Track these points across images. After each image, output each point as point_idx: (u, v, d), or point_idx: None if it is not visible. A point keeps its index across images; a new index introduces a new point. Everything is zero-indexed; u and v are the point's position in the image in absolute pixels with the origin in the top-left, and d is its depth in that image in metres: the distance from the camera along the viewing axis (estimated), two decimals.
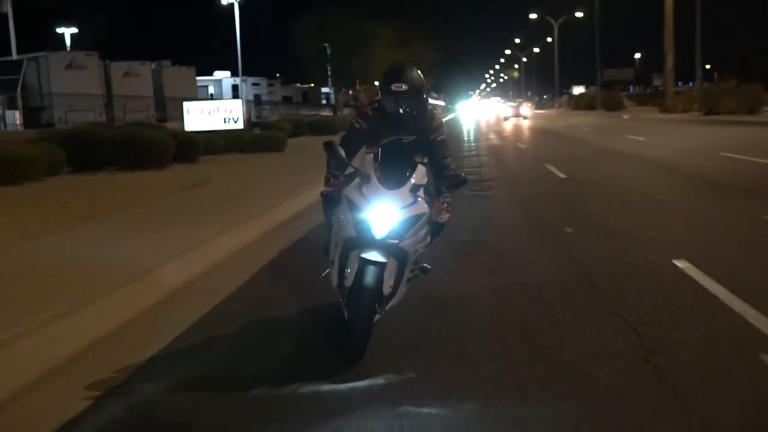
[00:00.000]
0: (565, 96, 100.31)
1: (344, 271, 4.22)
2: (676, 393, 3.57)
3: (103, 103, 27.34)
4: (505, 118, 53.72)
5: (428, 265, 4.82)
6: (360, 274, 4.06)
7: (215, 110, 23.84)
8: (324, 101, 72.82)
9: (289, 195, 10.34)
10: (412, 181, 4.15)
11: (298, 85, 73.28)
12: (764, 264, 6.14)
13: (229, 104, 26.15)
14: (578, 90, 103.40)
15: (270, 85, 62.11)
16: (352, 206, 4.13)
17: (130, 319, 4.89)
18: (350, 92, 67.42)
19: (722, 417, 3.34)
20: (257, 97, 51.88)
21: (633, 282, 5.62)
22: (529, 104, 65.76)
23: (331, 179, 4.51)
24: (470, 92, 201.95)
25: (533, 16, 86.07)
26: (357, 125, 4.62)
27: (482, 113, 77.34)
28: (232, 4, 46.90)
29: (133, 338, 4.62)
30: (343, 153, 4.35)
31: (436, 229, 4.54)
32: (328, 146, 4.39)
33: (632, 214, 8.91)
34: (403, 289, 4.35)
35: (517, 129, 37.05)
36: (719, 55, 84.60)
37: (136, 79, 31.47)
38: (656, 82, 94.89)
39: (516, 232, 8.26)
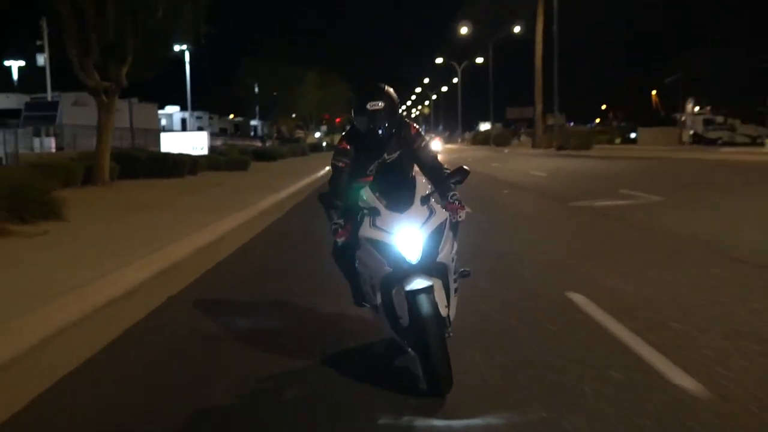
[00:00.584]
0: (467, 132, 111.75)
1: (394, 313, 4.06)
2: None
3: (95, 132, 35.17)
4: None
5: (467, 269, 4.68)
6: (413, 307, 3.86)
7: (186, 139, 32.98)
8: (252, 133, 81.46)
9: (275, 191, 18.84)
10: (420, 194, 4.06)
11: (230, 117, 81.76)
12: (547, 227, 15.33)
13: (198, 135, 35.21)
14: (484, 126, 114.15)
15: (210, 118, 70.70)
16: (375, 244, 3.98)
17: (213, 240, 10.09)
18: (274, 126, 76.11)
19: None
20: (200, 128, 60.07)
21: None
22: (439, 138, 70.62)
23: (339, 230, 4.38)
24: None
25: (439, 60, 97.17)
26: (340, 164, 4.52)
27: None
28: (182, 51, 55.14)
29: (219, 246, 12.78)
30: (336, 201, 4.32)
31: (455, 229, 4.33)
32: (322, 199, 4.33)
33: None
34: (454, 302, 4.21)
35: None
36: (614, 97, 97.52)
37: (118, 114, 39.18)
38: (549, 121, 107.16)
39: None
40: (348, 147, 4.56)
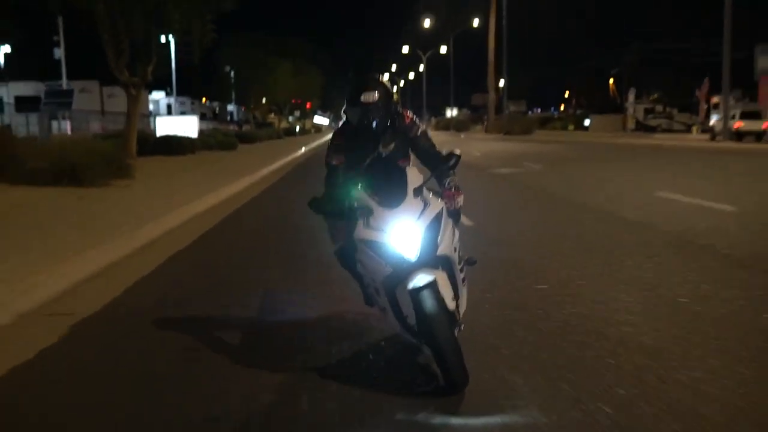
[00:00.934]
0: (433, 118, 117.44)
1: (401, 313, 3.92)
2: None
3: (101, 116, 40.29)
4: None
5: (473, 257, 4.58)
6: (417, 305, 3.69)
7: (179, 123, 38.19)
8: (229, 117, 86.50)
9: (266, 164, 24.30)
10: (412, 185, 3.87)
11: (208, 103, 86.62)
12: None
13: (189, 119, 40.40)
14: (450, 112, 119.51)
15: (192, 103, 75.73)
16: (371, 245, 3.81)
17: (241, 190, 18.74)
18: (251, 111, 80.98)
19: None
20: (183, 113, 64.90)
21: None
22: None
23: (335, 234, 4.31)
24: None
25: (405, 49, 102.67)
26: (335, 162, 4.40)
27: None
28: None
29: (243, 193, 18.71)
30: (327, 207, 4.12)
31: (455, 215, 4.29)
32: (312, 205, 4.13)
33: None
34: (464, 293, 4.13)
35: None
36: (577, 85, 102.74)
37: (115, 99, 44.33)
38: (511, 107, 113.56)
39: None
40: (342, 142, 4.39)
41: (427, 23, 78.06)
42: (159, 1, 21.98)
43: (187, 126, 37.83)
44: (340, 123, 4.62)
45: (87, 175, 14.10)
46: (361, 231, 3.86)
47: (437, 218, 3.81)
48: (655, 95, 72.51)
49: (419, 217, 3.77)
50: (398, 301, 3.88)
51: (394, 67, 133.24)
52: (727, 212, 10.24)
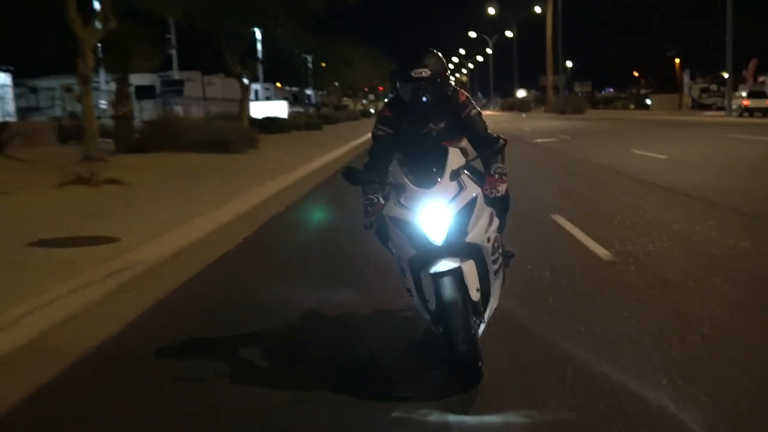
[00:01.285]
0: (499, 99, 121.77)
1: (424, 297, 3.82)
2: None
3: (204, 102, 46.83)
4: None
5: (512, 249, 4.51)
6: (438, 290, 3.58)
7: (271, 107, 44.25)
8: (306, 101, 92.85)
9: (353, 139, 29.64)
10: (449, 168, 3.71)
11: (287, 88, 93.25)
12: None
13: (280, 104, 46.51)
14: (520, 93, 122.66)
15: (276, 89, 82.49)
16: (398, 223, 3.70)
17: (343, 153, 24.58)
18: (329, 95, 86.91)
19: None
20: (267, 98, 71.22)
21: None
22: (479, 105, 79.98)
23: (369, 208, 4.04)
24: None
25: (472, 34, 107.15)
26: (380, 132, 4.22)
27: None
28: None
29: (343, 156, 24.39)
30: (365, 177, 4.01)
31: (502, 204, 4.11)
32: (346, 174, 4.00)
33: None
34: (496, 285, 3.94)
35: None
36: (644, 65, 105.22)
37: (213, 87, 50.82)
38: (577, 88, 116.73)
39: None
40: (390, 114, 4.22)
41: (492, 10, 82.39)
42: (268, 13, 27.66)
43: (278, 109, 43.84)
44: (390, 95, 4.16)
45: (231, 145, 19.96)
46: (391, 208, 3.76)
47: (470, 204, 3.66)
48: (708, 76, 75.29)
49: (451, 201, 3.61)
50: (422, 284, 3.77)
51: (462, 51, 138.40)
52: (662, 159, 15.62)
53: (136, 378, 4.12)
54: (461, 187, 3.70)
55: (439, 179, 3.69)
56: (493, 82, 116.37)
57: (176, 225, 7.90)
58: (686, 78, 72.43)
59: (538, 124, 41.76)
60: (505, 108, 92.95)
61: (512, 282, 4.74)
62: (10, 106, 31.80)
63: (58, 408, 3.78)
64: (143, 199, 10.25)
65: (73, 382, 4.12)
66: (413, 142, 4.15)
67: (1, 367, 3.95)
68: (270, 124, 34.08)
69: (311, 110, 69.41)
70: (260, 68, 44.09)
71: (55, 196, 10.43)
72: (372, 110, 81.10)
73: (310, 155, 19.19)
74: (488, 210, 3.87)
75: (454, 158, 3.79)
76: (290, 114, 47.26)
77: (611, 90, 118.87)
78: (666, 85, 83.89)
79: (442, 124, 4.18)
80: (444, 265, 3.58)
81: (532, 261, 6.35)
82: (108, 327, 4.89)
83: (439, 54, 4.07)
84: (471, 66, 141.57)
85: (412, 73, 3.94)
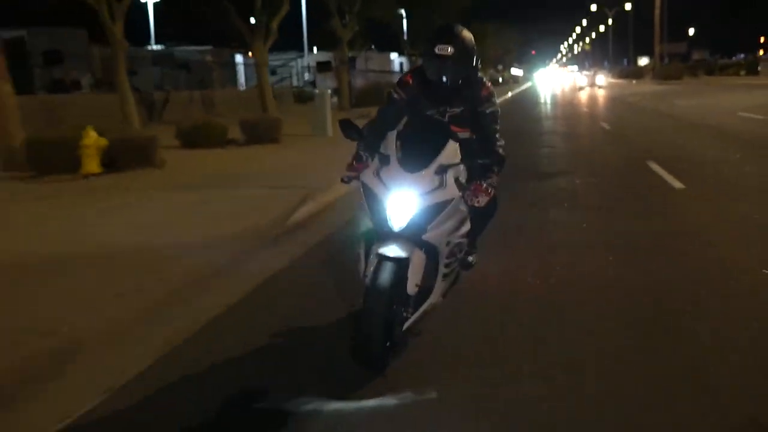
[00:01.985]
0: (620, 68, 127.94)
1: (365, 271, 3.70)
2: None
3: (366, 73, 58.86)
4: (580, 88, 55.63)
5: (473, 259, 4.48)
6: (376, 272, 3.53)
7: None
8: None
9: (510, 91, 41.39)
10: (439, 161, 3.65)
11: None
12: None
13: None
14: (642, 61, 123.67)
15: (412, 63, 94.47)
16: (369, 194, 3.69)
17: None
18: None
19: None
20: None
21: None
22: (603, 73, 69.45)
23: (354, 163, 3.99)
24: (547, 61, 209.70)
25: (594, 7, 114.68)
26: (395, 95, 4.18)
27: (558, 82, 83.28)
28: None
29: None
30: (359, 132, 3.88)
31: (484, 213, 4.10)
32: (344, 125, 3.90)
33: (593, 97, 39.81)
34: (440, 286, 3.85)
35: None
36: None
37: (372, 61, 62.99)
38: (695, 56, 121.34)
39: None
40: (411, 82, 4.14)
41: None
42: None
43: None
44: (413, 68, 4.35)
45: None
46: (369, 176, 3.72)
47: (442, 205, 3.61)
48: None
49: (426, 194, 3.57)
50: (369, 256, 3.67)
51: (584, 22, 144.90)
52: (683, 105, 26.05)
53: None
54: (441, 184, 3.62)
55: (424, 167, 3.61)
56: (611, 53, 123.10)
57: None
58: None
59: (638, 89, 51.09)
60: (621, 76, 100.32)
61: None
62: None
63: None
64: None
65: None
66: (421, 120, 4.16)
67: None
68: None
69: None
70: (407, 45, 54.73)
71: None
72: (500, 79, 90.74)
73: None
74: (461, 215, 3.83)
75: (450, 152, 3.71)
76: None
77: (742, 56, 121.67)
78: None
79: (458, 110, 4.11)
80: (393, 250, 3.54)
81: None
82: None
83: (468, 34, 3.95)
84: (593, 35, 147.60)
85: (436, 50, 3.82)
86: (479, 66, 4.17)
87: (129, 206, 8.48)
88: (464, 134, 4.14)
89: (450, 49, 3.81)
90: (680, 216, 7.58)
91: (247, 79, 44.42)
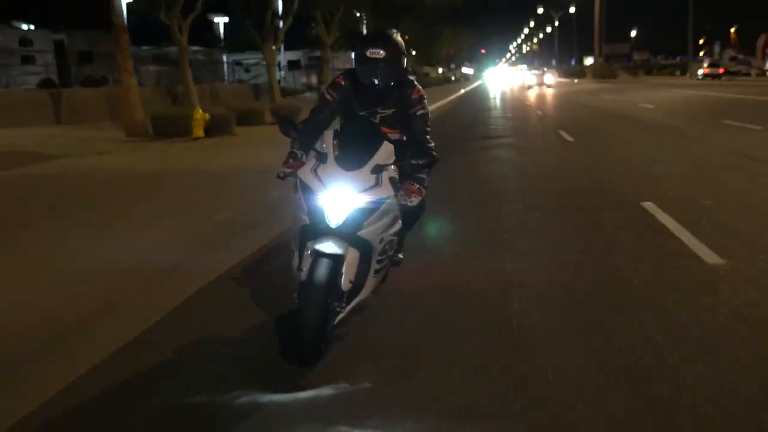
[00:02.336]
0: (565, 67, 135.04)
1: (300, 266, 3.77)
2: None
3: (332, 71, 65.00)
4: (529, 87, 57.47)
5: (401, 255, 4.66)
6: (312, 268, 3.63)
7: None
8: None
9: (447, 96, 46.72)
10: (375, 161, 3.78)
11: None
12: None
13: None
14: (588, 60, 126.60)
15: None
16: (306, 190, 3.75)
17: (460, 95, 41.81)
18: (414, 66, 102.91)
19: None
20: None
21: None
22: (552, 72, 71.19)
23: (290, 160, 4.12)
24: (497, 60, 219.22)
25: (540, 10, 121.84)
26: (328, 96, 4.27)
27: (507, 81, 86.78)
28: None
29: (461, 98, 41.70)
30: (297, 130, 4.01)
31: (413, 212, 4.23)
32: (283, 122, 4.02)
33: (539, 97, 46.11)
34: (371, 282, 3.96)
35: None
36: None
37: (335, 60, 68.93)
38: (636, 56, 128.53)
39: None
40: (344, 83, 4.26)
41: None
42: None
43: None
44: (347, 69, 4.41)
45: None
46: (306, 172, 3.78)
47: (377, 203, 3.72)
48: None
49: (362, 192, 3.68)
50: (305, 251, 3.73)
51: (532, 24, 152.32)
52: (608, 99, 32.58)
53: None
54: (377, 183, 3.73)
55: (361, 166, 3.72)
56: (558, 53, 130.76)
57: None
58: (717, 47, 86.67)
59: (573, 87, 57.55)
60: (565, 75, 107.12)
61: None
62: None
63: None
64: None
65: None
66: (354, 120, 4.23)
67: None
68: None
69: None
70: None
71: None
72: (453, 77, 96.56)
73: (441, 97, 36.38)
74: (394, 213, 3.92)
75: (384, 153, 3.82)
76: None
77: (678, 58, 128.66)
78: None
79: (389, 111, 4.24)
80: (329, 246, 3.62)
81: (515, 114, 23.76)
82: None
83: (399, 39, 4.10)
84: (541, 36, 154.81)
85: (368, 53, 3.96)
86: (409, 69, 4.37)
87: (231, 152, 14.54)
88: (395, 135, 4.23)
89: (381, 53, 3.96)
90: (568, 154, 13.47)
91: (226, 76, 50.42)
